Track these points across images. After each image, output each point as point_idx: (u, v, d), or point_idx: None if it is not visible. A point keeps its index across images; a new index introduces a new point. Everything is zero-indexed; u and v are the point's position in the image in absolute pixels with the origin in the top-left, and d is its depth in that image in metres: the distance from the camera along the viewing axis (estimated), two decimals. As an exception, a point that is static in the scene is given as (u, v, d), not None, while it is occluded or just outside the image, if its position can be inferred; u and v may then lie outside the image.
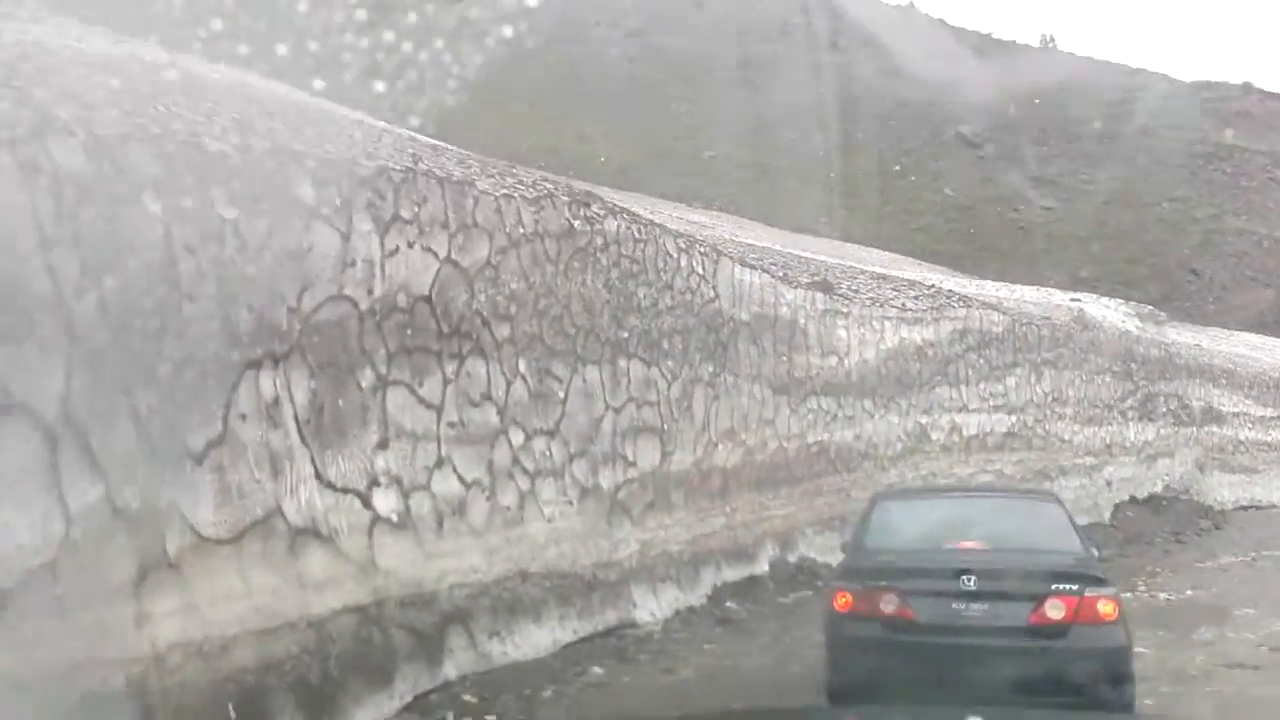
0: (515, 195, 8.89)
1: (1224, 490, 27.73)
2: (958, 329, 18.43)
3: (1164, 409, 25.56)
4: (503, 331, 8.50)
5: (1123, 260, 43.70)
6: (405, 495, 7.01)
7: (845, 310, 15.69)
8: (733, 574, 12.20)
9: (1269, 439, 30.34)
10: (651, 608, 9.99)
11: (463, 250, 8.09)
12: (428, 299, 7.53)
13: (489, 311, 8.37)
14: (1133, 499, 23.10)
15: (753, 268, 13.43)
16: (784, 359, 13.99)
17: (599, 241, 9.95)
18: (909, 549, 6.79)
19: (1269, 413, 30.63)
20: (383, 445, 6.87)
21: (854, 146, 51.06)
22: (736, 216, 32.47)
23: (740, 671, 8.32)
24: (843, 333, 15.55)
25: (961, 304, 18.96)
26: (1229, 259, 43.02)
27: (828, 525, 14.99)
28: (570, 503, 9.09)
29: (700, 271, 11.91)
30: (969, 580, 6.11)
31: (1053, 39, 74.87)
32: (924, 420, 17.31)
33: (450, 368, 7.76)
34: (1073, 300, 23.57)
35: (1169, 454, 25.44)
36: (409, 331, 7.30)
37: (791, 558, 13.83)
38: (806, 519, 14.47)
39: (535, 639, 7.98)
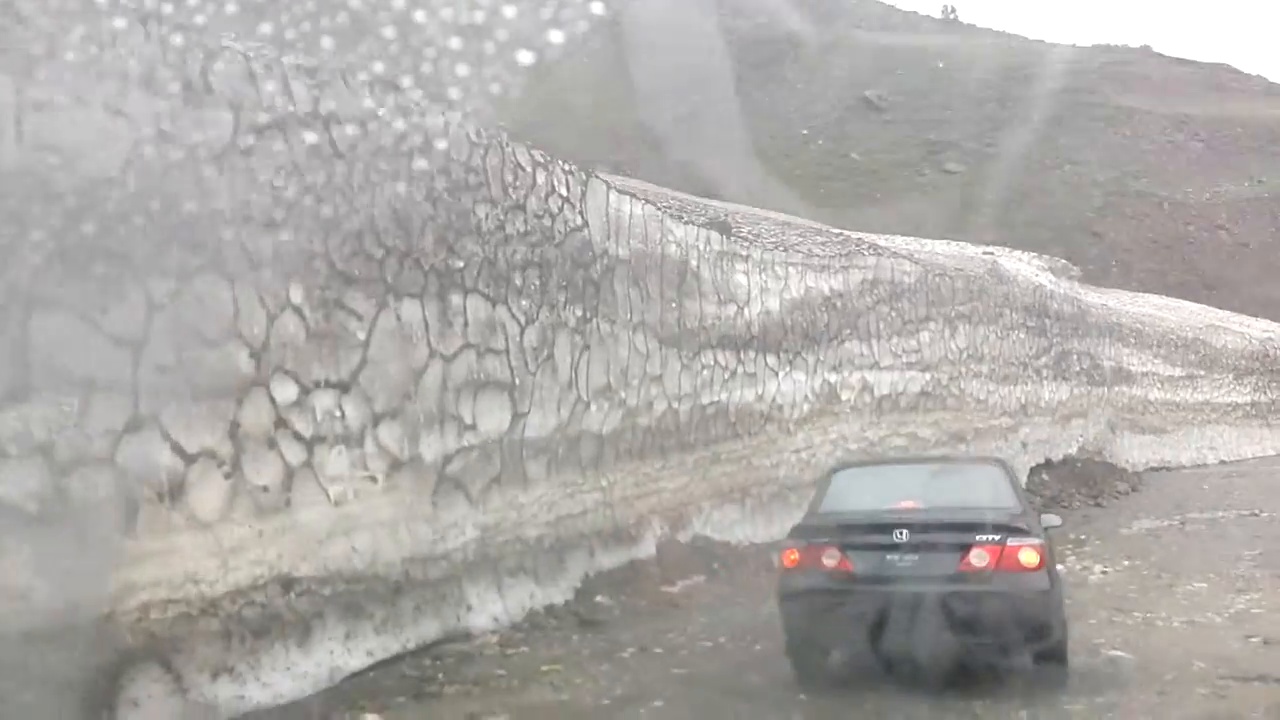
0: (283, 61, 6.36)
1: (1135, 451, 26.45)
2: (868, 279, 16.35)
3: (1077, 367, 24.04)
4: (260, 243, 5.98)
5: (1026, 224, 42.51)
6: (60, 473, 4.48)
7: (745, 254, 13.44)
8: (609, 560, 9.89)
9: (1177, 399, 29.21)
10: (494, 610, 7.62)
11: (192, 124, 5.55)
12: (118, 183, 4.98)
13: (235, 214, 5.84)
14: (1048, 461, 21.49)
15: (633, 196, 11.05)
16: (673, 305, 11.67)
17: (416, 140, 7.46)
18: (853, 510, 7.08)
19: (1177, 372, 29.50)
20: (16, 397, 4.33)
21: (760, 111, 49.15)
22: (640, 180, 30.13)
23: (573, 711, 5.93)
24: (742, 278, 13.30)
25: (872, 252, 16.89)
26: (1130, 221, 42.17)
27: (727, 498, 12.78)
28: (372, 479, 6.65)
29: (564, 193, 9.49)
30: (901, 534, 6.43)
31: (954, 10, 73.90)
32: (833, 378, 15.20)
33: (162, 287, 5.23)
34: (985, 253, 21.80)
35: (1082, 414, 23.94)
36: (81, 228, 4.75)
37: (683, 537, 11.58)
38: (702, 492, 12.22)
39: (300, 671, 5.55)
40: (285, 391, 6.05)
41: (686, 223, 12.23)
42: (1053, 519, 7.81)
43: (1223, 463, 28.70)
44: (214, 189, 5.80)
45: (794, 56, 52.15)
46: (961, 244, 22.85)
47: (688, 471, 11.90)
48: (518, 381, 8.54)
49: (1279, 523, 15.88)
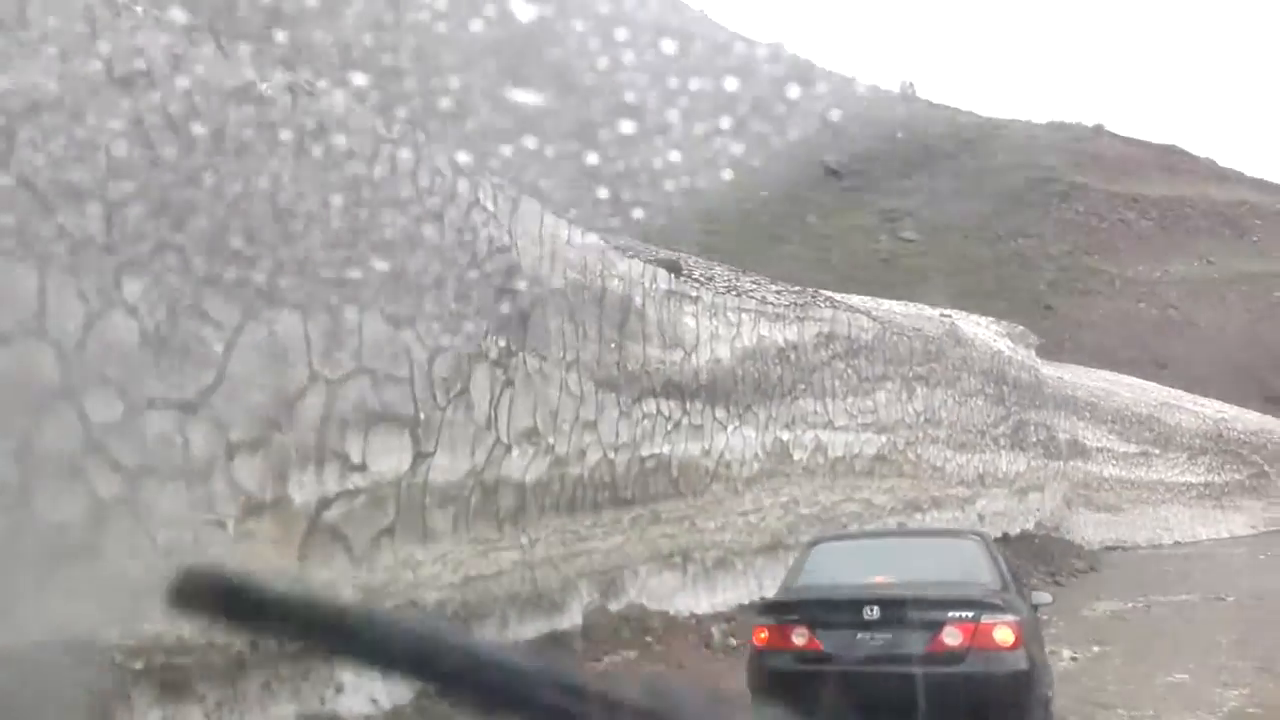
0: (138, 7, 5.20)
1: (1090, 529, 25.63)
2: (824, 332, 15.36)
3: (1034, 438, 23.23)
4: (84, 223, 4.75)
5: (981, 294, 42.15)
6: None
7: (694, 295, 12.37)
8: (526, 631, 8.57)
9: (1132, 477, 28.55)
10: (373, 691, 6.27)
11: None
12: None
13: (52, 183, 4.62)
14: (1005, 536, 20.48)
15: (570, 222, 9.95)
16: (612, 346, 10.52)
17: (308, 124, 6.30)
18: (825, 585, 6.82)
19: (1131, 449, 28.88)
20: None
21: (717, 170, 48.72)
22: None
23: None
24: (690, 321, 12.21)
25: (828, 304, 15.94)
26: (1082, 296, 42.03)
27: (666, 563, 11.54)
28: (220, 523, 5.34)
29: (490, 207, 8.35)
30: (872, 611, 6.15)
31: (912, 86, 74.82)
32: (785, 436, 14.10)
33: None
34: (943, 315, 21.03)
35: (1039, 488, 23.07)
36: None
37: (615, 605, 10.29)
38: (639, 554, 10.97)
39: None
40: (104, 408, 4.77)
41: (632, 257, 11.14)
42: (1044, 596, 7.49)
43: (1178, 543, 27.98)
44: (22, 148, 4.57)
45: (755, 118, 52.02)
46: (919, 305, 22.07)
47: (623, 530, 10.66)
48: (423, 416, 7.29)
49: (1249, 608, 14.96)
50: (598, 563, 10.05)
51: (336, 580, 6.22)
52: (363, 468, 6.64)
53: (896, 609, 6.13)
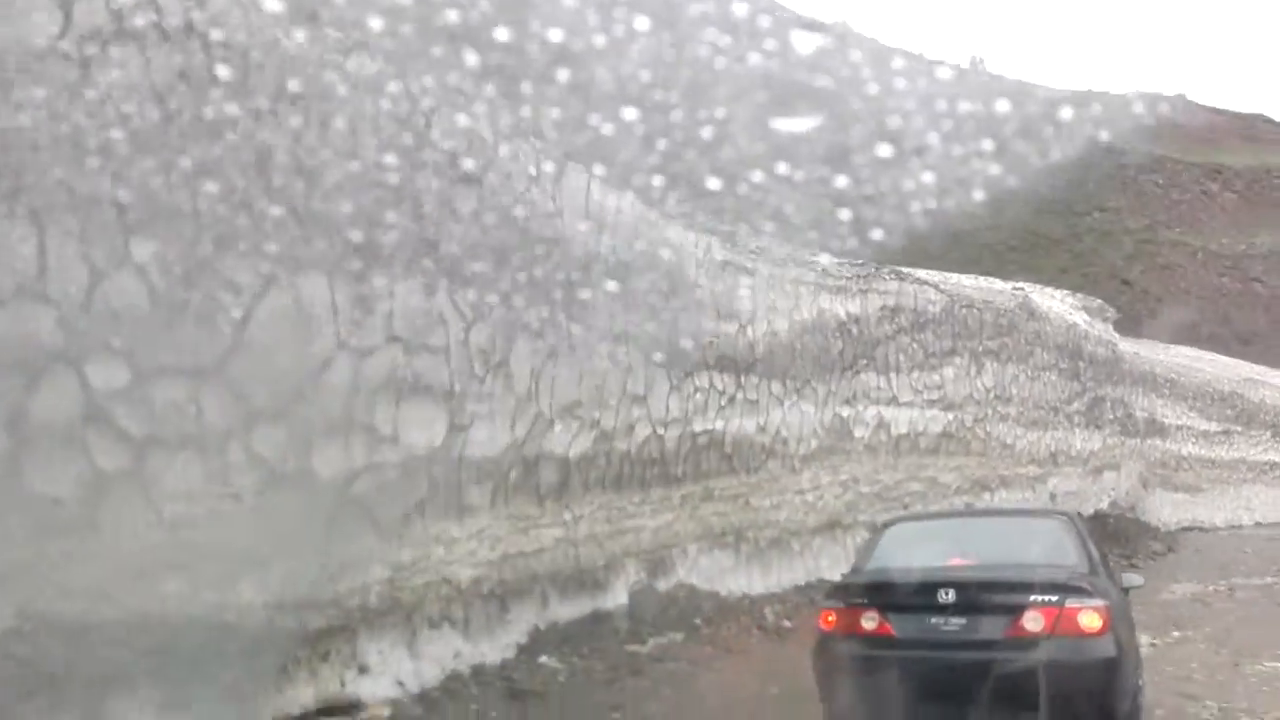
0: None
1: (1167, 509, 24.58)
2: (888, 305, 14.76)
3: (1110, 416, 22.27)
4: (91, 181, 4.49)
5: (1055, 269, 40.79)
6: None
7: (750, 266, 11.89)
8: (567, 611, 8.26)
9: (1213, 455, 27.32)
10: (401, 672, 6.01)
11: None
12: None
13: (54, 139, 4.37)
14: (1079, 516, 19.68)
15: (618, 190, 9.54)
16: (664, 317, 10.12)
17: (333, 79, 5.98)
18: (897, 567, 6.39)
19: (1213, 427, 27.65)
20: None
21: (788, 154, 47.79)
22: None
23: None
24: (746, 294, 11.74)
25: (893, 276, 15.30)
26: (1162, 271, 40.37)
27: (718, 541, 11.15)
28: (236, 496, 5.07)
29: (532, 172, 7.98)
30: (947, 594, 5.78)
31: (982, 60, 72.60)
32: (845, 412, 13.58)
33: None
34: (1015, 289, 20.16)
35: (1114, 466, 22.13)
36: None
37: (663, 585, 9.95)
38: (689, 532, 10.60)
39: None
40: (109, 374, 4.51)
41: (683, 225, 10.70)
42: (1134, 579, 6.89)
43: (1259, 525, 26.73)
44: (21, 103, 4.31)
45: (813, 101, 50.75)
46: (989, 279, 21.20)
47: (673, 508, 10.29)
48: (458, 388, 6.97)
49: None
50: (645, 541, 9.71)
51: (363, 556, 5.94)
52: (393, 440, 6.35)
53: (973, 592, 5.75)
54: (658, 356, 9.87)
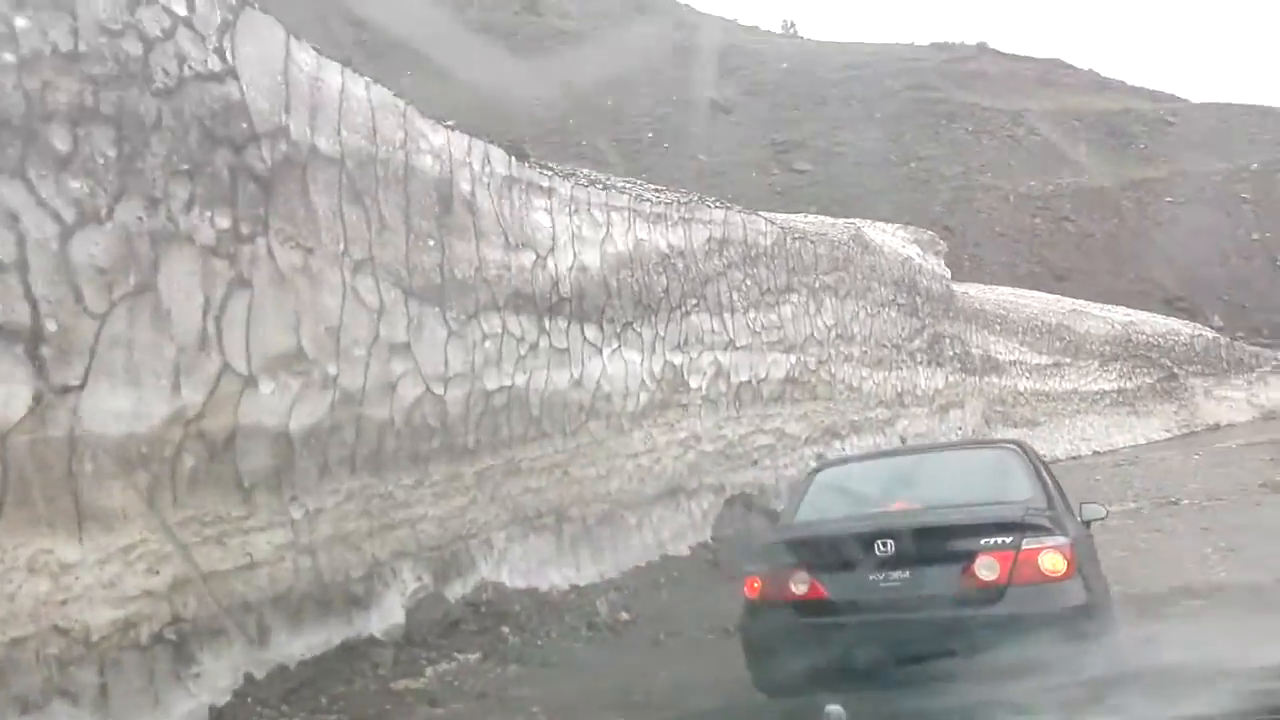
0: None
1: (1011, 444, 23.70)
2: (715, 236, 12.65)
3: (950, 352, 21.06)
4: None
5: (878, 219, 40.05)
6: None
7: (546, 185, 9.49)
8: (303, 644, 5.68)
9: (1046, 388, 26.75)
10: None
11: None
12: None
13: None
14: (930, 458, 18.28)
15: (346, 68, 6.92)
16: (429, 242, 7.61)
17: None
18: (828, 519, 5.62)
19: (1044, 360, 27.09)
20: None
21: (603, 114, 45.80)
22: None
23: None
24: (544, 218, 9.35)
25: (717, 204, 13.22)
26: (979, 215, 40.29)
27: (533, 525, 8.74)
28: None
29: (183, 13, 5.32)
30: (885, 546, 4.92)
31: (793, 24, 72.60)
32: (678, 360, 11.39)
33: None
34: (847, 223, 18.54)
35: (959, 404, 20.94)
36: None
37: (458, 590, 7.46)
38: (492, 518, 8.15)
39: None
40: None
41: (451, 129, 8.17)
42: (1096, 509, 5.83)
43: (1096, 453, 26.32)
44: None
45: (636, 61, 49.14)
46: (818, 216, 19.57)
47: (465, 489, 7.82)
48: (49, 326, 4.30)
49: (1214, 510, 12.92)
50: (427, 535, 7.21)
51: None
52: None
53: (915, 540, 4.91)
54: (424, 293, 7.37)
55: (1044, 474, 5.67)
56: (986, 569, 4.76)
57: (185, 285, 5.10)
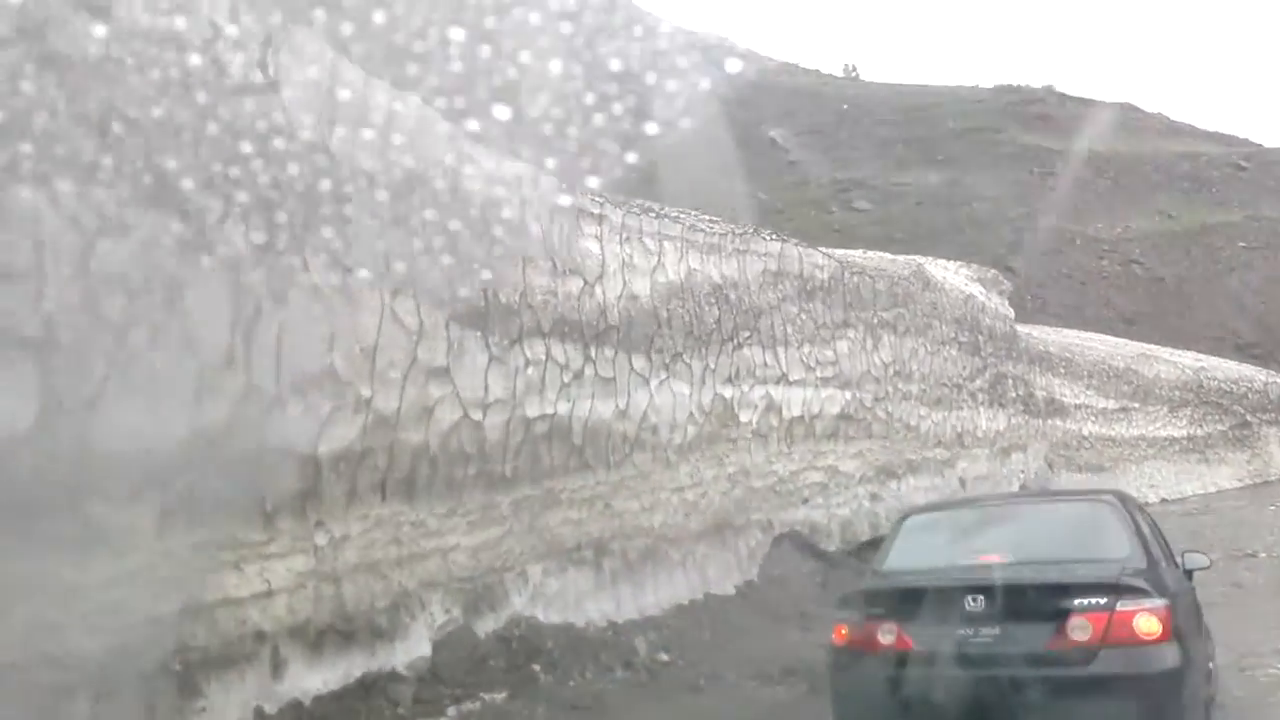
0: None
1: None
2: (770, 269, 12.28)
3: (1013, 393, 20.31)
4: None
5: (940, 260, 39.26)
6: None
7: (597, 212, 9.24)
8: (320, 678, 5.41)
9: (1113, 433, 25.72)
10: None
11: None
12: None
13: None
14: (990, 502, 17.55)
15: (395, 89, 6.76)
16: (475, 265, 7.39)
17: None
18: (919, 569, 5.51)
19: (1110, 404, 26.07)
20: None
21: (664, 156, 45.85)
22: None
23: None
24: (594, 245, 9.10)
25: (774, 236, 12.87)
26: (1043, 257, 39.28)
27: (571, 558, 8.41)
28: None
29: (231, 31, 5.17)
30: (976, 601, 4.84)
31: (855, 69, 72.12)
32: (728, 393, 11.00)
33: None
34: (907, 260, 18.04)
35: (1021, 447, 20.14)
36: None
37: (490, 624, 7.14)
38: (527, 550, 7.83)
39: None
40: None
41: (507, 155, 7.97)
42: (1199, 559, 5.78)
43: (1165, 501, 25.18)
44: None
45: (695, 101, 49.11)
46: (878, 253, 19.10)
47: (501, 519, 7.52)
48: (65, 339, 4.10)
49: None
50: (459, 566, 6.91)
51: None
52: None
53: (1006, 597, 4.81)
54: (466, 317, 7.13)
55: (1143, 526, 5.53)
56: (1079, 629, 4.67)
57: (213, 300, 4.90)
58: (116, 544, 4.30)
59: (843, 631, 5.35)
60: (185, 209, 4.75)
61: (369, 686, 5.59)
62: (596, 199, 9.43)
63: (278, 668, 5.13)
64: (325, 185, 5.74)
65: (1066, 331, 30.15)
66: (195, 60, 4.89)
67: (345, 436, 5.87)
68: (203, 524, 4.79)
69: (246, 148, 5.12)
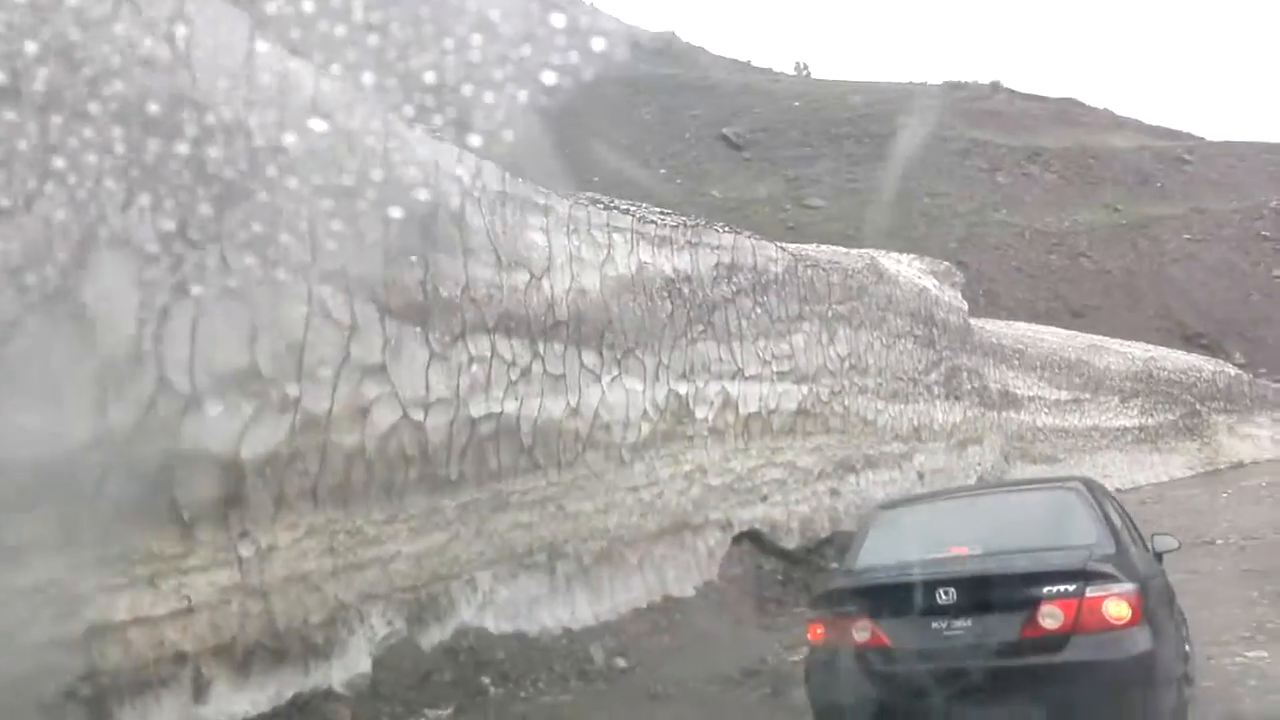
0: None
1: (1030, 482, 22.84)
2: (724, 262, 12.00)
3: (968, 386, 20.26)
4: None
5: (893, 253, 39.47)
6: None
7: (542, 202, 8.89)
8: (248, 700, 5.00)
9: (1065, 424, 25.87)
10: None
11: None
12: None
13: None
14: (948, 495, 17.45)
15: (319, 67, 6.36)
16: (412, 258, 7.01)
17: None
18: (890, 564, 5.53)
19: (1063, 395, 26.23)
20: None
21: (617, 149, 45.56)
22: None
23: None
24: (539, 237, 8.75)
25: (726, 229, 12.61)
26: (994, 251, 39.61)
27: (522, 564, 8.04)
28: None
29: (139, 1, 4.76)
30: (947, 594, 4.87)
31: (806, 67, 72.42)
32: (683, 389, 10.70)
33: None
34: (860, 253, 17.89)
35: (977, 440, 20.09)
36: None
37: (437, 635, 6.76)
38: (476, 556, 7.46)
39: None
40: None
41: (438, 137, 7.60)
42: (1168, 541, 5.81)
43: (1119, 491, 25.37)
44: None
45: (649, 98, 49.02)
46: (830, 247, 18.94)
47: (446, 523, 7.14)
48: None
49: (1255, 552, 12.10)
50: (401, 575, 6.52)
51: None
52: None
53: (977, 588, 4.86)
54: (405, 312, 6.75)
55: (1110, 512, 5.49)
56: (1050, 617, 4.67)
57: (116, 291, 4.48)
58: (10, 558, 3.89)
59: (818, 630, 5.38)
60: (79, 192, 4.34)
61: (302, 707, 5.20)
62: (541, 190, 9.09)
63: (200, 690, 4.72)
64: (242, 169, 5.35)
65: (1018, 324, 30.32)
66: (94, 29, 4.48)
67: (271, 439, 5.47)
68: (111, 535, 4.39)
69: (150, 126, 4.72)
